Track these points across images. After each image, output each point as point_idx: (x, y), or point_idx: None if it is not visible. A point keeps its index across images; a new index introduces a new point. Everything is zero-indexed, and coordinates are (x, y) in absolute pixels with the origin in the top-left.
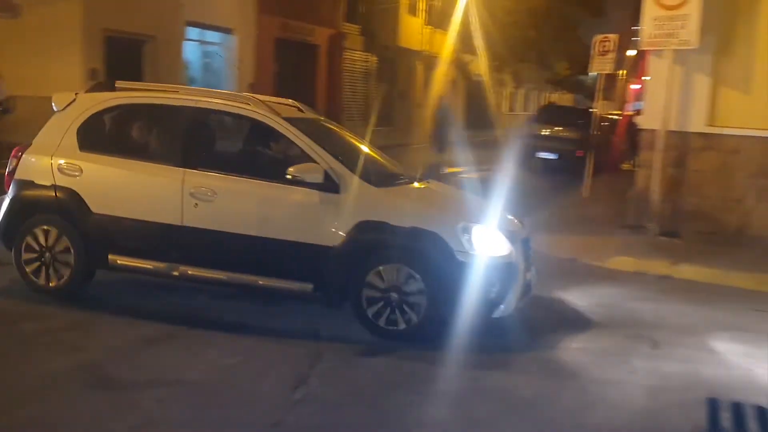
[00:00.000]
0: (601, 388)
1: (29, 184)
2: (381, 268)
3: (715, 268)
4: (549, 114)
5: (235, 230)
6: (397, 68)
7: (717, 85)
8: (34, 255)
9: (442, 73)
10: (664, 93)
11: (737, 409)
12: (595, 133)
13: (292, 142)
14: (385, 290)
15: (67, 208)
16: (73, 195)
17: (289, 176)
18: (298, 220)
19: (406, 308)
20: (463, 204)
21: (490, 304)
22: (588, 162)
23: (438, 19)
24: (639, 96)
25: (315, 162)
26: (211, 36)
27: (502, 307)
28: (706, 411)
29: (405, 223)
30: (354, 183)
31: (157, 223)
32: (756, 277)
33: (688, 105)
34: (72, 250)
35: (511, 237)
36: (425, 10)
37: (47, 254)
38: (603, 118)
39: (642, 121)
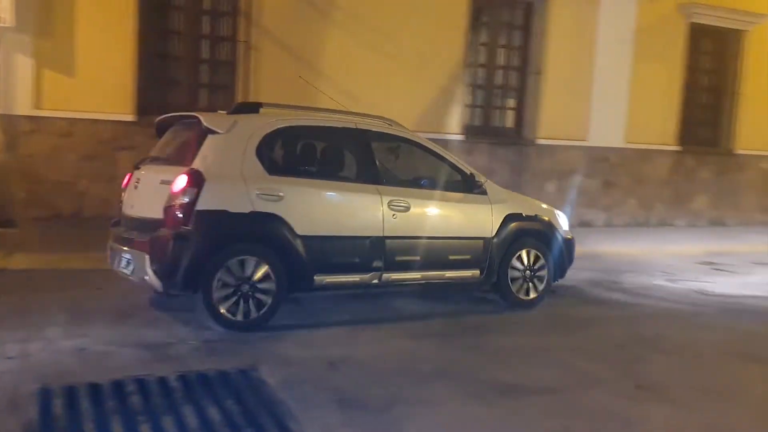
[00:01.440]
0: None
1: (222, 214)
2: (522, 251)
3: (53, 254)
4: None
5: (427, 234)
6: None
7: (40, 67)
8: (230, 290)
9: None
10: None
11: (71, 391)
12: None
13: (437, 155)
14: (524, 270)
15: (270, 234)
16: (278, 220)
17: (466, 184)
18: (468, 220)
19: (536, 281)
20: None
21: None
22: None
23: None
24: None
25: (464, 171)
26: None
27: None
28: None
29: (530, 212)
30: (489, 185)
31: (362, 237)
32: (91, 257)
33: (13, 87)
34: (273, 277)
35: None
36: None
37: (245, 286)
38: None
39: None
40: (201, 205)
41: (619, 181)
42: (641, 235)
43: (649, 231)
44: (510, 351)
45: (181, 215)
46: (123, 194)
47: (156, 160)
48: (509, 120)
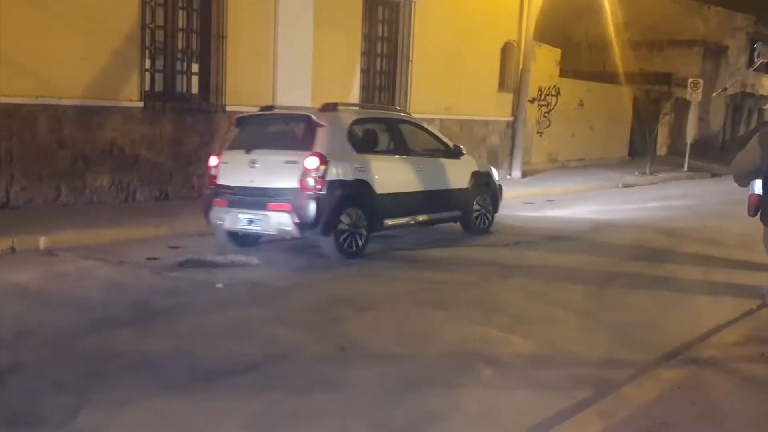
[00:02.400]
0: None
1: (341, 182)
2: (478, 197)
3: None
4: None
5: (437, 188)
6: None
7: None
8: (345, 232)
9: None
10: None
11: None
12: None
13: (429, 132)
14: (481, 208)
15: (364, 194)
16: (367, 184)
17: (446, 151)
18: (456, 176)
19: (487, 215)
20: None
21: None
22: None
23: None
24: None
25: (446, 144)
26: None
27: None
28: None
29: (482, 169)
30: (459, 152)
31: (406, 193)
32: None
33: None
34: (365, 222)
35: None
36: None
37: (352, 228)
38: None
39: None
40: (328, 177)
41: None
42: None
43: None
44: (208, 331)
45: (317, 184)
46: (214, 170)
47: (262, 146)
48: (195, 86)
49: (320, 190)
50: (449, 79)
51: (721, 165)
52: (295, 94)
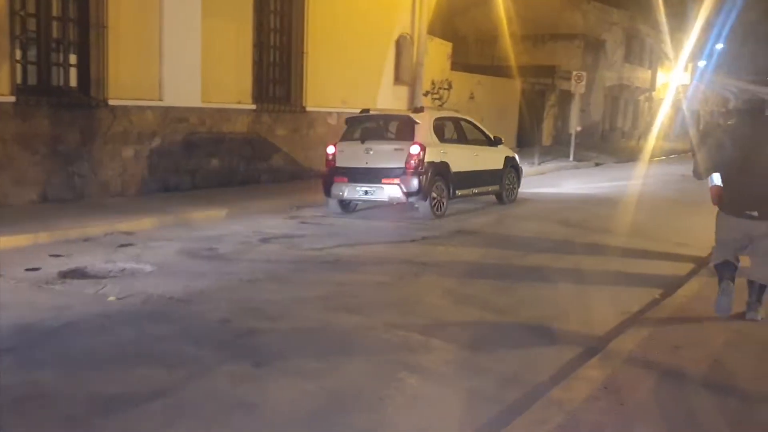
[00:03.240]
0: None
1: (434, 163)
2: (509, 175)
3: None
4: None
5: (482, 168)
6: None
7: None
8: (435, 198)
9: None
10: None
11: None
12: None
13: (477, 127)
14: (510, 184)
15: (446, 172)
16: (447, 165)
17: (489, 141)
18: (495, 159)
19: (514, 190)
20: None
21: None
22: None
23: None
24: None
25: (488, 135)
26: None
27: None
28: None
29: (511, 155)
30: (498, 142)
31: (468, 171)
32: None
33: None
34: (446, 192)
35: None
36: None
37: (439, 196)
38: None
39: None
40: (426, 159)
41: (201, 142)
42: (224, 196)
43: (235, 191)
44: (104, 353)
45: (419, 165)
46: (332, 156)
47: (373, 138)
48: (73, 79)
49: (420, 169)
50: (345, 72)
51: (602, 154)
52: (183, 86)
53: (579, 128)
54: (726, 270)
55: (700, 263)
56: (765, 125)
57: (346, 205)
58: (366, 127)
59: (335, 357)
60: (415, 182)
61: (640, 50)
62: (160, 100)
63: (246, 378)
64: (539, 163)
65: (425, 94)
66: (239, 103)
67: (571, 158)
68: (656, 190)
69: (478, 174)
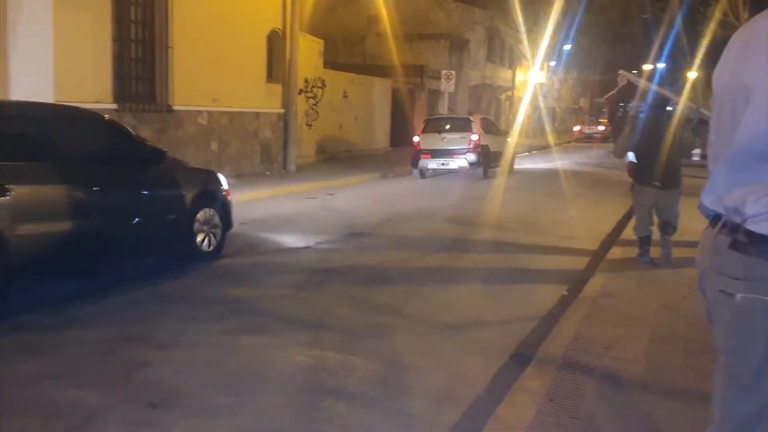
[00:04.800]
0: None
1: (483, 145)
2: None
3: None
4: None
5: (500, 150)
6: None
7: None
8: (484, 166)
9: None
10: None
11: None
12: None
13: (495, 124)
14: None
15: (488, 149)
16: (488, 146)
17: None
18: (504, 143)
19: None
20: None
21: None
22: None
23: None
24: None
25: (501, 129)
26: None
27: None
28: None
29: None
30: (507, 134)
31: (497, 151)
32: None
33: None
34: (488, 164)
35: None
36: None
37: (486, 167)
38: None
39: None
40: (481, 143)
41: None
42: None
43: None
44: None
45: (477, 146)
46: (418, 143)
47: (446, 131)
48: None
49: (478, 149)
50: (215, 69)
51: None
52: (33, 84)
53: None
54: (645, 238)
55: (593, 256)
56: (666, 116)
57: (423, 174)
58: (438, 124)
59: (246, 388)
60: (474, 156)
61: (501, 50)
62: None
63: (144, 423)
64: None
65: (299, 93)
66: (98, 102)
67: None
68: (528, 185)
69: (500, 153)
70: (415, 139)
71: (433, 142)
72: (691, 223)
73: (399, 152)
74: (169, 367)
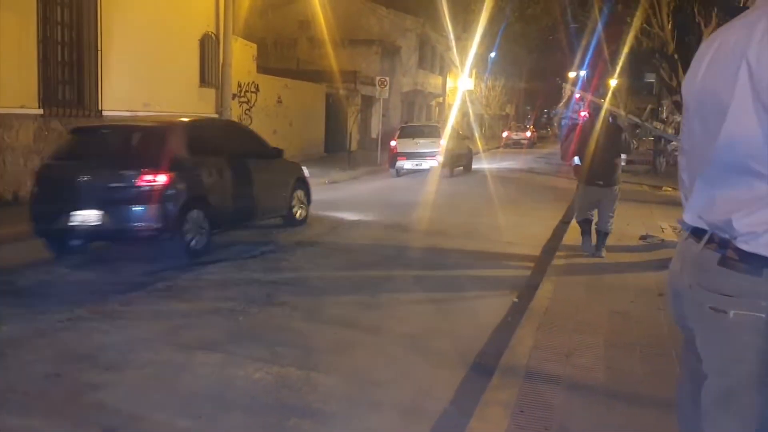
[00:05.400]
0: None
1: (450, 150)
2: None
3: None
4: None
5: (458, 152)
6: None
7: None
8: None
9: None
10: None
11: None
12: None
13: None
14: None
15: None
16: (452, 149)
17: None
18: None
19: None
20: None
21: None
22: None
23: None
24: None
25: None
26: None
27: None
28: None
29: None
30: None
31: (453, 151)
32: None
33: None
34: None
35: None
36: None
37: (452, 165)
38: None
39: None
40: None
41: None
42: (6, 217)
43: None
44: None
45: (441, 151)
46: (395, 146)
47: (418, 136)
48: None
49: (448, 151)
50: (146, 73)
51: None
52: None
53: (379, 132)
54: (585, 223)
55: (537, 262)
56: (606, 124)
57: (400, 173)
58: (411, 131)
59: (206, 410)
60: (440, 159)
61: (431, 57)
62: None
63: None
64: (352, 168)
65: (232, 97)
66: (23, 107)
67: (379, 162)
68: (467, 191)
69: (462, 155)
70: (392, 143)
71: (407, 145)
72: (628, 228)
73: (331, 160)
74: (121, 388)
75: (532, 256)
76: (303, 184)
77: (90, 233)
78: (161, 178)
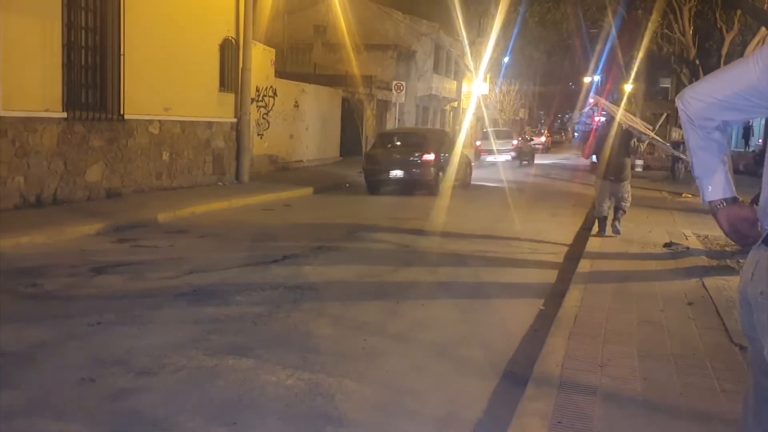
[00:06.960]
0: None
1: (519, 147)
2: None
3: None
4: None
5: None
6: None
7: None
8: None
9: None
10: None
11: None
12: None
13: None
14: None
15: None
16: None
17: None
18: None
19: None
20: None
21: None
22: None
23: None
24: None
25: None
26: None
27: None
28: None
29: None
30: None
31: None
32: None
33: None
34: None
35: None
36: None
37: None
38: None
39: None
40: (518, 146)
41: (0, 156)
42: (35, 218)
43: (47, 212)
44: None
45: (516, 148)
46: (478, 145)
47: (498, 138)
48: None
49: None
50: (167, 77)
51: None
52: None
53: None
54: (603, 218)
55: (561, 269)
56: (619, 129)
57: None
58: (493, 134)
59: (241, 417)
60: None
61: (446, 61)
62: None
63: None
64: None
65: (251, 102)
66: (47, 111)
67: None
68: (481, 195)
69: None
70: (477, 142)
71: (489, 144)
72: (651, 235)
73: (347, 164)
74: (154, 393)
75: (555, 263)
76: (468, 167)
77: (397, 181)
78: (430, 156)
